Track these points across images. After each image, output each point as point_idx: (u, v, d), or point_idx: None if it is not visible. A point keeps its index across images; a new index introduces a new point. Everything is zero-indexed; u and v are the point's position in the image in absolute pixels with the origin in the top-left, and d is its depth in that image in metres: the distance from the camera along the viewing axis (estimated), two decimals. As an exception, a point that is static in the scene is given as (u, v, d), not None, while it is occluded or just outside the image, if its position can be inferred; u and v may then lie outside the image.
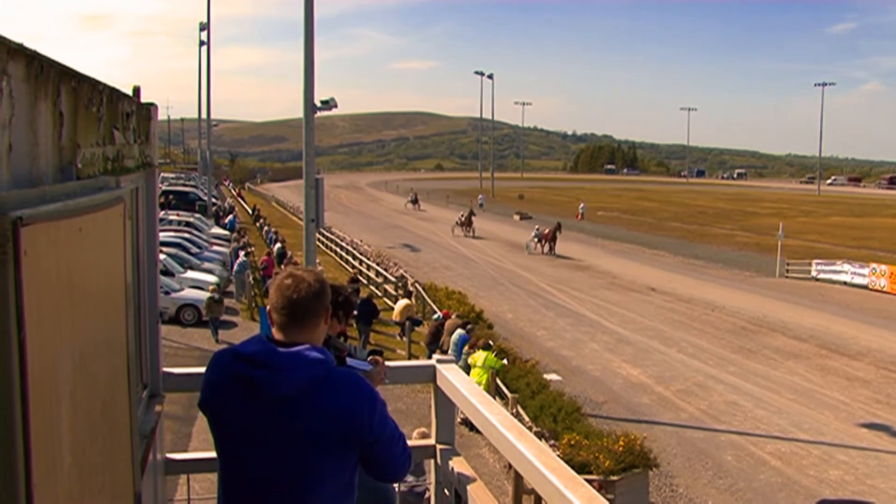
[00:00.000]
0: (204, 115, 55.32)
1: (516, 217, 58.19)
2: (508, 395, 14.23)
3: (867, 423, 15.79)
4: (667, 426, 15.36)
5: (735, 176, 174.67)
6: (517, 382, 15.77)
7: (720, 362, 19.77)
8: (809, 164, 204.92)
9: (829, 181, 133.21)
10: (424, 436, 6.07)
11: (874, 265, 32.47)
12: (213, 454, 2.73)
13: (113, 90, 2.79)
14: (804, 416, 16.04)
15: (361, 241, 39.30)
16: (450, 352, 16.54)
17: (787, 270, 35.09)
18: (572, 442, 12.06)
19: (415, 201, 67.50)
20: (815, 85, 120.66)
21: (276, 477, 2.57)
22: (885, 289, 30.84)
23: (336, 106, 15.56)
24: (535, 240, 40.22)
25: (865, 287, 31.62)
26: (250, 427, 2.56)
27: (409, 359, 17.72)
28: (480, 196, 71.47)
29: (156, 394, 3.87)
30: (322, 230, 30.97)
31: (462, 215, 48.61)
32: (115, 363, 2.44)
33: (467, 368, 14.81)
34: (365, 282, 29.04)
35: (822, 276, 33.84)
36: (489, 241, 44.37)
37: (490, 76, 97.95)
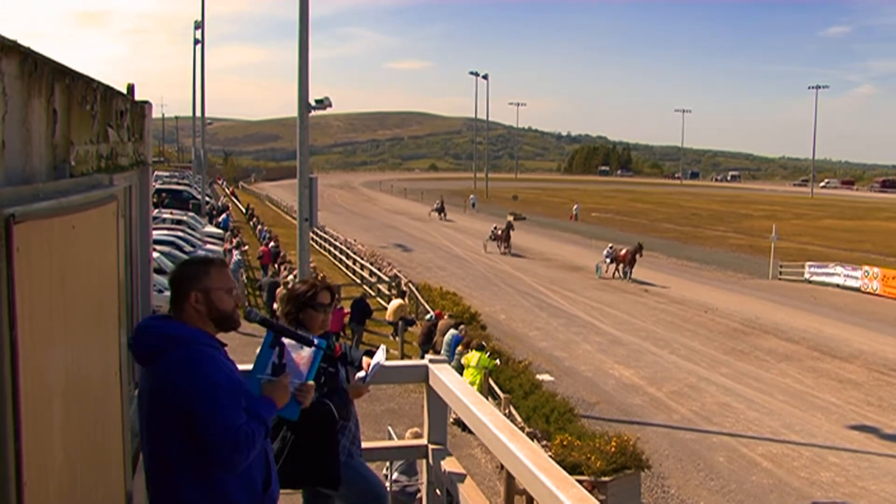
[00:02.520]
0: (198, 114, 55.19)
1: (510, 218, 58.03)
2: (501, 395, 14.24)
3: (858, 426, 15.83)
4: (659, 427, 15.39)
5: (729, 178, 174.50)
6: (510, 383, 15.78)
7: (712, 364, 19.81)
8: (803, 166, 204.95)
9: (822, 184, 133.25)
10: (417, 436, 6.08)
11: (866, 268, 32.57)
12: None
13: (107, 88, 2.78)
14: (796, 418, 16.08)
15: (355, 240, 39.28)
16: (442, 352, 16.54)
17: (780, 272, 35.17)
18: (564, 442, 12.07)
19: (440, 209, 56.82)
20: (809, 88, 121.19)
21: (146, 447, 2.74)
22: (877, 291, 30.93)
23: (330, 105, 15.53)
24: (608, 261, 33.66)
25: (858, 289, 31.70)
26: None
27: (402, 359, 17.71)
28: (472, 196, 71.10)
29: (148, 392, 3.87)
30: (316, 230, 30.95)
31: (497, 227, 40.65)
32: (108, 361, 2.44)
33: (460, 369, 14.82)
34: (358, 281, 29.05)
35: (814, 278, 33.93)
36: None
37: (485, 76, 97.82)
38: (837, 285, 32.71)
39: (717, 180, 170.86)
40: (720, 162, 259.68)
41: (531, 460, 2.84)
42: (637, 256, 32.71)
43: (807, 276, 34.31)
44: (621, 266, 33.24)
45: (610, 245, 34.77)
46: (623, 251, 33.31)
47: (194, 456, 2.64)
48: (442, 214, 56.64)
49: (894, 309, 28.20)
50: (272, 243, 32.60)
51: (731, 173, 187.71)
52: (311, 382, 3.20)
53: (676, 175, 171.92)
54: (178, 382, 2.61)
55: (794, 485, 12.98)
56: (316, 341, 3.25)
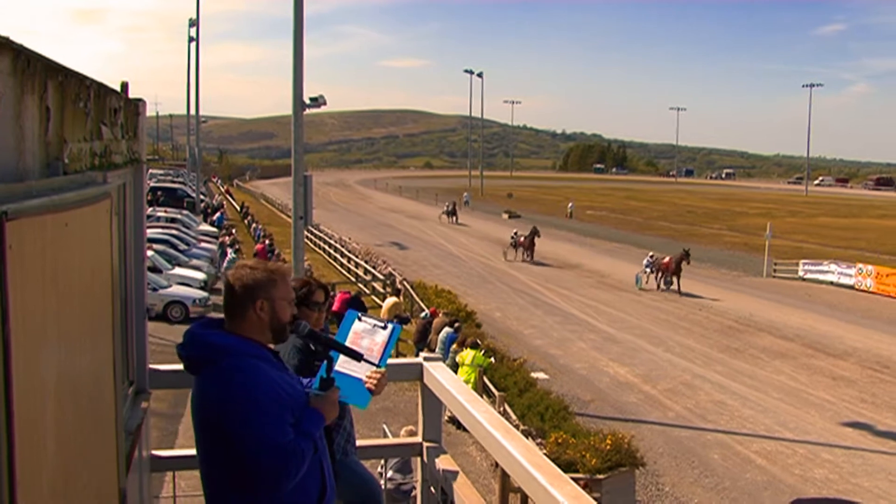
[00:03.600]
0: (193, 112, 55.12)
1: (505, 216, 58.05)
2: (496, 393, 14.24)
3: (852, 423, 15.89)
4: (653, 425, 15.41)
5: (723, 176, 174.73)
6: (505, 381, 15.79)
7: (707, 361, 19.85)
8: (797, 164, 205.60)
9: (816, 182, 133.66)
10: (412, 434, 6.08)
11: (860, 265, 32.65)
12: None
13: (101, 85, 2.78)
14: (790, 416, 16.13)
15: (350, 238, 39.27)
16: (437, 350, 16.54)
17: (775, 270, 35.25)
18: (559, 440, 12.08)
19: (452, 212, 53.10)
20: (804, 86, 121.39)
21: (198, 454, 2.72)
22: (871, 289, 31.01)
23: (325, 103, 15.51)
24: (648, 271, 30.58)
25: (852, 287, 31.79)
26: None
27: (397, 357, 17.69)
28: (466, 194, 71.04)
29: (142, 390, 3.87)
30: (310, 228, 30.94)
31: (517, 233, 37.17)
32: (101, 359, 2.43)
33: (455, 367, 14.83)
34: (353, 279, 29.04)
35: (809, 276, 34.00)
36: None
37: (480, 75, 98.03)
38: (832, 283, 32.80)
39: (711, 178, 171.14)
40: (715, 160, 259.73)
41: (526, 458, 2.84)
42: (684, 263, 29.71)
43: (801, 273, 34.38)
44: (664, 276, 30.25)
45: (650, 253, 31.86)
46: (666, 259, 30.32)
47: (239, 467, 2.56)
48: (453, 218, 52.90)
49: (888, 306, 28.30)
50: (267, 241, 32.58)
51: (725, 171, 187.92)
52: (384, 369, 3.23)
53: (671, 173, 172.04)
54: (217, 395, 2.55)
55: (789, 482, 13.01)
56: (392, 328, 3.31)
